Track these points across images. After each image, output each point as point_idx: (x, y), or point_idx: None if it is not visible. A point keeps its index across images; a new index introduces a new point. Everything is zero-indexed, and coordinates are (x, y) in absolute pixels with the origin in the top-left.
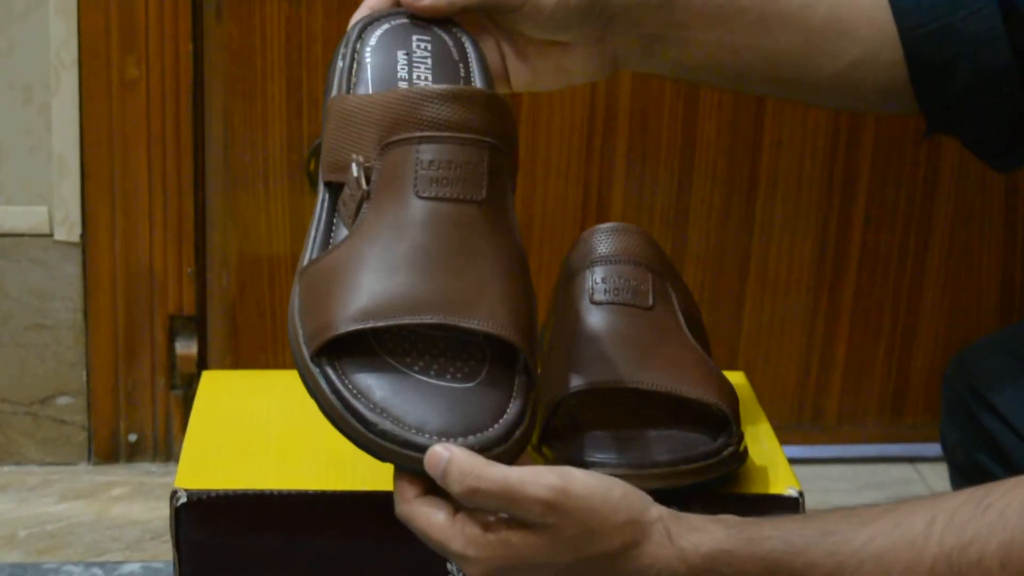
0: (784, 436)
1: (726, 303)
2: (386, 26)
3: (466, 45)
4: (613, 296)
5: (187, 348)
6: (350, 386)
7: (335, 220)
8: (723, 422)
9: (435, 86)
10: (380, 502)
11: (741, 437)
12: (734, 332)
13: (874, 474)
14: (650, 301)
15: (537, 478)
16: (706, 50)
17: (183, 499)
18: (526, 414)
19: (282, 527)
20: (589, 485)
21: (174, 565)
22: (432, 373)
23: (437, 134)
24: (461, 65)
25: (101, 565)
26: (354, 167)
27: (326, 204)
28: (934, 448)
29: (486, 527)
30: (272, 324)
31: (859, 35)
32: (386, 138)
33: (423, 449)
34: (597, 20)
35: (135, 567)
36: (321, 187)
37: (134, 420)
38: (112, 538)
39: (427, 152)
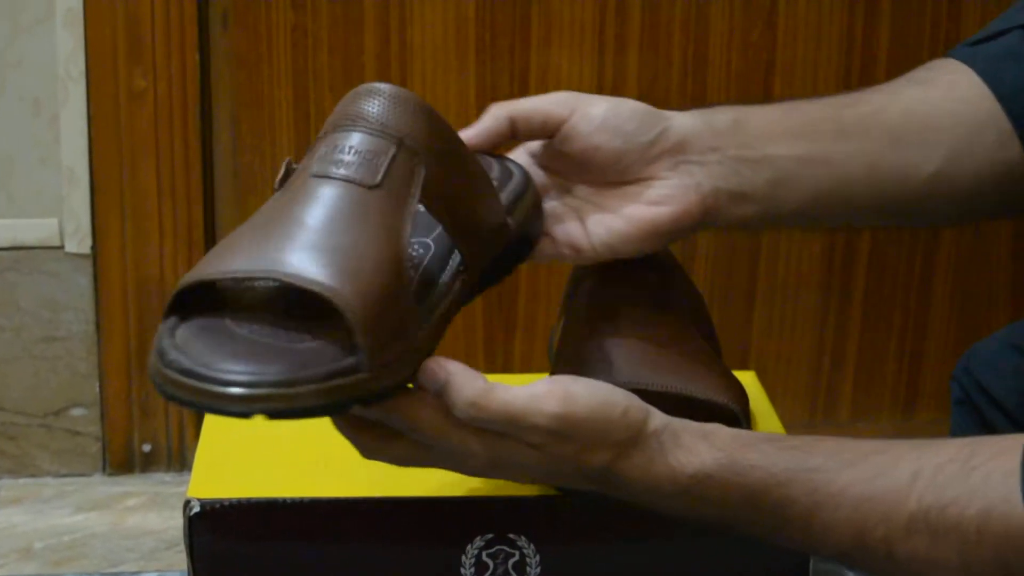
0: (797, 435)
1: (737, 302)
2: None
3: None
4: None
5: None
6: (175, 340)
7: None
8: (734, 422)
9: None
10: (393, 508)
11: None
12: (745, 331)
13: None
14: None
15: (539, 405)
16: (797, 166)
17: (196, 508)
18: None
19: (295, 535)
20: (591, 406)
21: (188, 574)
22: (256, 330)
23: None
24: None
25: (117, 575)
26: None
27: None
28: None
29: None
30: None
31: (942, 125)
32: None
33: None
34: (662, 141)
35: None
36: None
37: (148, 430)
38: (127, 548)
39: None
